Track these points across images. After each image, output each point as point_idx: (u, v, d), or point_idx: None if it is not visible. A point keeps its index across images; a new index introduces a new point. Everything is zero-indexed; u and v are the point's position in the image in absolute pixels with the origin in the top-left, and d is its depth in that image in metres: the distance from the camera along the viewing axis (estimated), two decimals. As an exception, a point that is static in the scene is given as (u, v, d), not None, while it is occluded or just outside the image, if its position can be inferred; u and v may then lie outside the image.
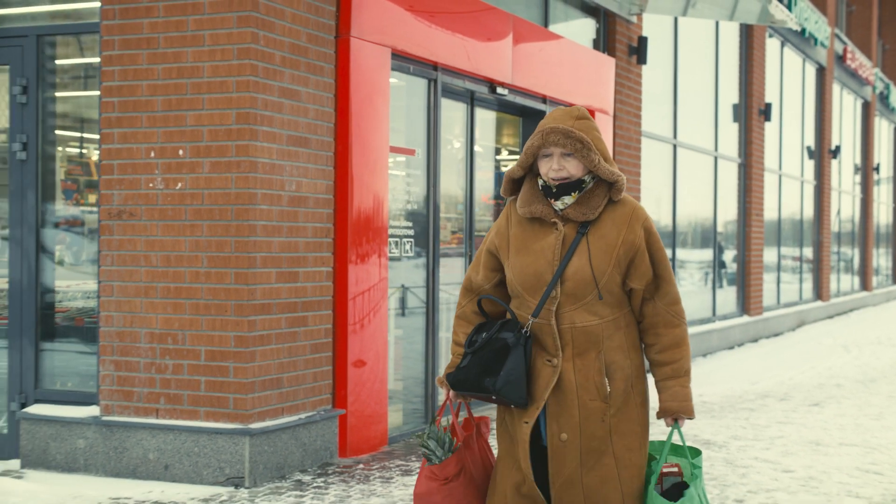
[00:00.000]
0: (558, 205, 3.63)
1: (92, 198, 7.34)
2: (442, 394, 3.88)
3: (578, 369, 3.58)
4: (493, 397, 3.56)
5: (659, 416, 3.67)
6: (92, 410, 6.84)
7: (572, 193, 3.62)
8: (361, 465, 7.06)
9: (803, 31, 18.07)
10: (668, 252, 14.11)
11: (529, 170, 3.74)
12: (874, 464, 7.35)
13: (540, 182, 3.67)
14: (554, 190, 3.62)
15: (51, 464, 6.85)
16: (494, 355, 3.58)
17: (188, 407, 6.57)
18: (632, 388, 3.66)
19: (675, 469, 3.66)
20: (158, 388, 6.64)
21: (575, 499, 3.59)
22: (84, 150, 7.44)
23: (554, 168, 3.59)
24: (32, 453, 6.90)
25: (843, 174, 25.33)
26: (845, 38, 24.18)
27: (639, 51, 12.06)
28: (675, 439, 3.76)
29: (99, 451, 6.74)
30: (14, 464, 7.03)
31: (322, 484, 6.53)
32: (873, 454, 7.69)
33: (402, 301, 8.42)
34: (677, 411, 3.64)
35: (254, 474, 6.46)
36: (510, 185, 3.77)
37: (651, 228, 3.66)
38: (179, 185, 6.58)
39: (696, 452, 3.70)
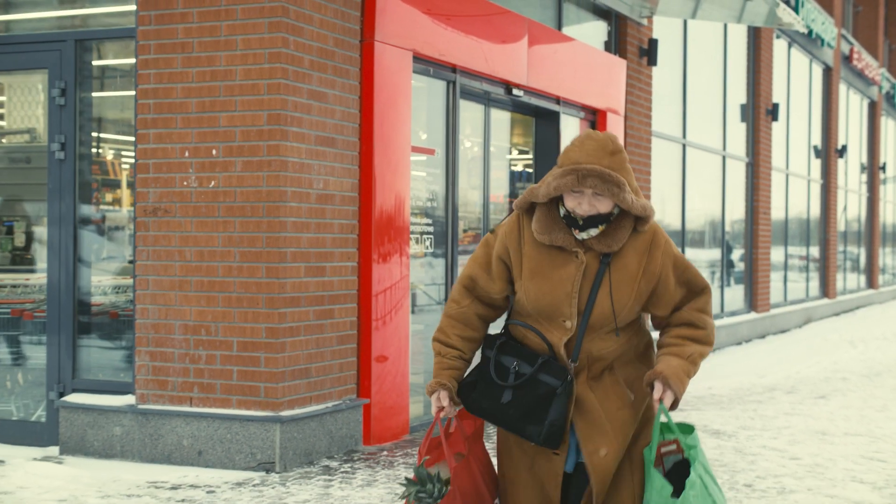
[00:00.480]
0: (582, 235, 3.49)
1: (109, 196, 7.66)
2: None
3: (595, 389, 3.52)
4: (532, 443, 3.52)
5: (647, 378, 3.49)
6: (128, 399, 7.15)
7: (599, 226, 3.48)
8: (385, 452, 7.36)
9: (810, 32, 18.34)
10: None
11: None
12: (878, 452, 7.63)
13: (562, 210, 3.51)
14: (580, 223, 3.47)
15: (88, 450, 7.16)
16: (538, 401, 3.47)
17: (221, 395, 6.88)
18: (645, 392, 3.58)
19: (674, 446, 3.51)
20: (192, 377, 6.94)
21: (626, 501, 3.56)
22: (100, 150, 7.75)
23: (584, 207, 3.44)
24: (71, 440, 7.21)
25: (850, 173, 25.59)
26: (852, 39, 24.43)
27: (649, 53, 12.34)
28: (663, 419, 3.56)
29: (135, 438, 7.04)
30: (53, 450, 7.33)
31: (349, 469, 6.83)
32: (877, 443, 7.97)
33: (416, 297, 8.72)
34: (667, 377, 3.43)
35: (284, 460, 6.76)
36: (528, 203, 3.58)
37: (671, 251, 3.55)
38: (213, 183, 6.88)
39: (689, 429, 3.54)
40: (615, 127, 11.47)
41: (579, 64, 10.72)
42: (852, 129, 25.63)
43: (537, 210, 3.53)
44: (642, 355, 3.63)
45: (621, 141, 11.53)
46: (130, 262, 7.44)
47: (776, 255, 19.12)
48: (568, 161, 3.43)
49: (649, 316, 3.68)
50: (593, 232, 3.47)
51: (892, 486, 6.56)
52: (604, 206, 3.43)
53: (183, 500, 6.00)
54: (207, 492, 6.21)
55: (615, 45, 11.99)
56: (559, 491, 3.55)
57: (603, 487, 3.51)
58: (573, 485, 3.60)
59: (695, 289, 3.57)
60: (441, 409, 3.58)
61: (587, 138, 3.47)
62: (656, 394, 3.44)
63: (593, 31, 11.73)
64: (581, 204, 3.43)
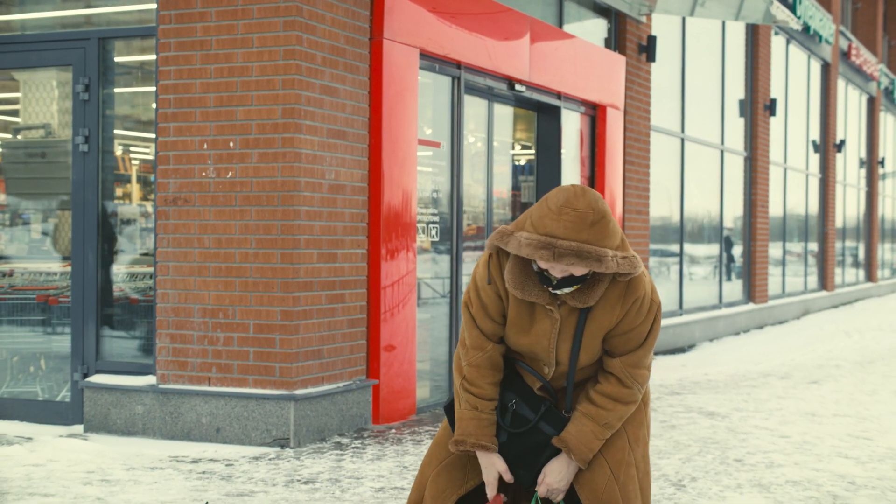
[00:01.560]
0: (556, 292, 3.32)
1: (119, 191, 8.04)
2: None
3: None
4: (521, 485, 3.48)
5: (554, 441, 3.41)
6: (149, 379, 7.52)
7: (574, 286, 3.30)
8: (394, 430, 7.73)
9: (808, 28, 18.69)
10: (675, 246, 14.75)
11: None
12: (865, 431, 7.99)
13: (536, 266, 3.32)
14: (554, 282, 3.30)
15: (111, 428, 7.53)
16: (534, 448, 3.42)
17: (238, 375, 7.25)
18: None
19: None
20: (210, 358, 7.31)
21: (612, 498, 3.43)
22: (122, 144, 8.13)
23: (556, 272, 3.26)
24: (95, 419, 7.58)
25: (849, 168, 25.93)
26: (850, 35, 24.75)
27: (648, 49, 12.69)
28: None
29: (156, 416, 7.41)
30: (77, 428, 7.71)
31: (359, 445, 7.20)
32: (864, 423, 8.33)
33: (421, 289, 9.08)
34: (573, 448, 3.36)
35: (298, 436, 7.13)
36: (496, 247, 3.41)
37: (641, 303, 3.36)
38: (230, 174, 7.25)
39: None
40: (615, 122, 11.83)
41: (580, 60, 11.08)
42: (851, 124, 25.97)
43: (510, 258, 3.35)
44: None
45: (621, 135, 11.88)
46: (144, 254, 7.81)
47: (774, 247, 19.47)
48: (543, 230, 3.17)
49: None
50: (567, 290, 3.30)
51: (874, 461, 6.92)
52: (580, 271, 3.23)
53: (204, 472, 6.37)
54: (226, 465, 6.58)
55: (615, 41, 12.34)
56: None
57: (595, 499, 3.41)
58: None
59: (636, 341, 3.39)
60: (498, 476, 3.44)
61: (566, 207, 3.18)
62: (558, 467, 3.40)
63: (593, 29, 12.09)
64: (554, 269, 3.24)
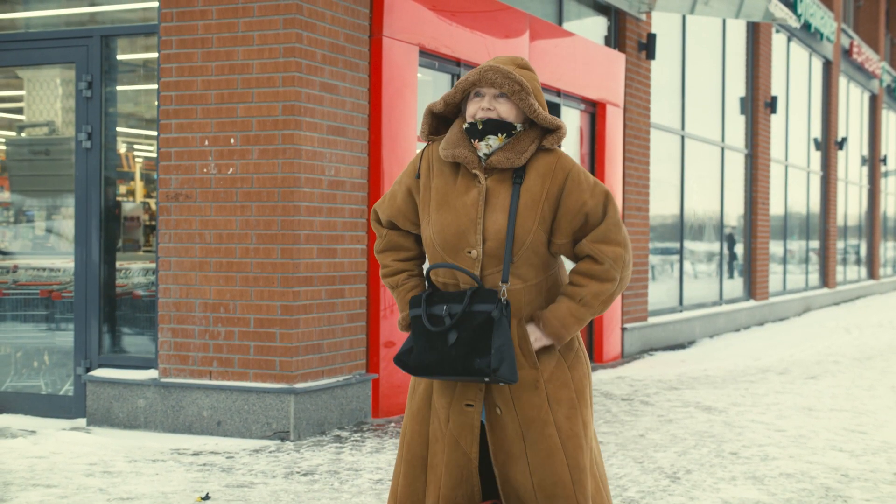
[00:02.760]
0: (483, 148, 3.31)
1: (121, 187, 8.13)
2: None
3: None
4: (486, 379, 3.24)
5: (526, 321, 3.34)
6: (151, 373, 7.60)
7: (499, 135, 3.30)
8: (393, 424, 7.81)
9: (809, 26, 18.74)
10: (676, 244, 14.81)
11: (456, 113, 3.45)
12: (860, 425, 8.06)
13: (465, 125, 3.35)
14: (480, 127, 3.30)
15: (114, 421, 7.62)
16: (477, 332, 3.23)
17: (239, 369, 7.33)
18: (559, 352, 3.40)
19: None
20: (212, 352, 7.40)
21: (520, 476, 3.33)
22: (123, 140, 8.22)
23: (484, 107, 3.29)
24: (97, 412, 7.67)
25: (851, 165, 25.98)
26: (852, 33, 24.80)
27: (648, 47, 12.76)
28: None
29: (158, 410, 7.50)
30: (80, 422, 7.80)
31: (359, 438, 7.28)
32: (860, 418, 8.40)
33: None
34: (545, 319, 3.30)
35: (298, 429, 7.21)
36: (430, 124, 3.44)
37: (577, 176, 3.34)
38: (231, 170, 7.33)
39: None
40: (615, 119, 11.90)
41: (579, 58, 11.15)
42: (853, 121, 26.02)
43: (449, 131, 3.39)
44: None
45: (621, 132, 11.94)
46: (146, 249, 7.90)
47: (775, 244, 19.53)
48: (475, 70, 3.33)
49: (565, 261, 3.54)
50: (493, 142, 3.31)
51: (868, 454, 6.99)
52: (504, 110, 3.30)
53: (205, 465, 6.45)
54: (227, 457, 6.67)
55: (615, 39, 12.41)
56: (476, 445, 3.36)
57: (500, 445, 3.34)
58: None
59: (594, 218, 3.34)
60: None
61: (499, 56, 3.47)
62: (531, 335, 3.32)
63: (593, 26, 12.16)
64: (482, 105, 3.30)
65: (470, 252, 3.29)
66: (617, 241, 3.33)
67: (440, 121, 3.48)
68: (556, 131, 3.34)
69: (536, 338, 3.33)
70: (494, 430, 3.34)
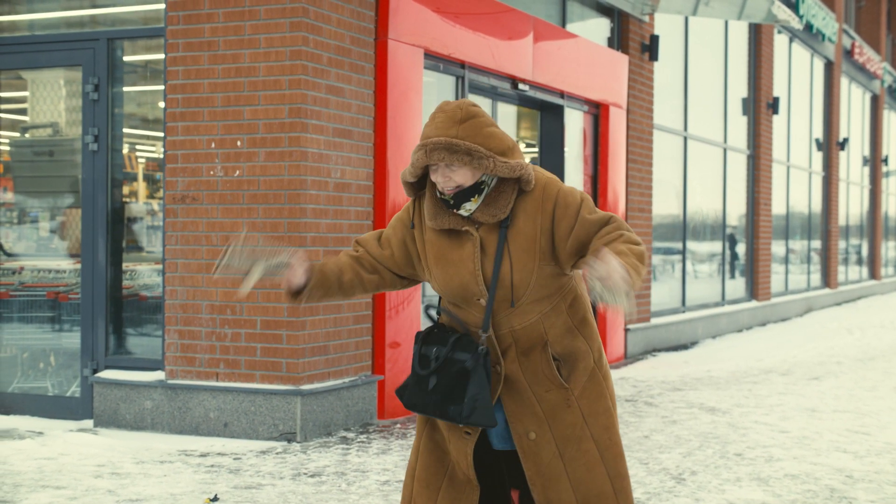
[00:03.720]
0: (463, 212, 3.35)
1: (128, 189, 8.16)
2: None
3: (525, 367, 3.37)
4: (460, 425, 3.33)
5: (586, 260, 3.24)
6: (158, 375, 7.64)
7: (472, 198, 3.33)
8: (399, 425, 7.84)
9: (811, 27, 18.77)
10: (679, 244, 14.84)
11: (425, 175, 3.45)
12: (863, 426, 8.09)
13: (438, 194, 3.38)
14: (451, 202, 3.34)
15: (121, 423, 7.65)
16: (454, 381, 3.31)
17: (245, 371, 7.36)
18: (594, 363, 3.44)
19: None
20: (218, 354, 7.43)
21: (564, 495, 3.36)
22: (130, 143, 8.25)
23: (440, 180, 3.31)
24: (104, 414, 7.70)
25: (852, 166, 26.01)
26: (853, 34, 24.83)
27: (651, 48, 12.79)
28: None
29: (164, 411, 7.53)
30: (87, 423, 7.83)
31: (365, 439, 7.31)
32: (863, 419, 8.43)
33: (425, 286, 9.18)
34: (600, 248, 3.14)
35: (304, 430, 7.25)
36: (412, 186, 3.46)
37: (564, 199, 3.33)
38: (237, 172, 7.37)
39: None
40: (618, 120, 11.94)
41: (583, 59, 11.18)
42: (854, 122, 26.05)
43: (426, 195, 3.42)
44: (578, 327, 3.43)
45: (623, 132, 11.97)
46: (153, 251, 7.93)
47: (777, 245, 19.56)
48: (423, 137, 3.33)
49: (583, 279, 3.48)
50: (469, 206, 3.33)
51: (872, 455, 7.02)
52: (461, 177, 3.29)
53: (212, 466, 6.48)
54: (234, 459, 6.70)
55: (618, 41, 12.44)
56: (472, 470, 3.40)
57: (537, 469, 3.37)
58: (516, 469, 3.49)
59: (594, 227, 3.29)
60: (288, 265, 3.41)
61: (438, 111, 3.34)
62: (597, 269, 3.01)
63: (596, 28, 12.19)
64: (438, 179, 3.31)
65: (479, 300, 3.36)
66: (624, 228, 3.29)
67: (420, 183, 3.47)
68: (521, 178, 3.29)
69: (606, 260, 3.02)
70: (528, 457, 3.37)
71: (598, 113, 11.77)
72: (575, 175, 11.38)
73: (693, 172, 15.28)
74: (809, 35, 20.19)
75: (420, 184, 3.45)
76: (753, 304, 17.39)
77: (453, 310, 3.43)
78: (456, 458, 3.42)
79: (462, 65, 9.10)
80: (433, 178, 3.32)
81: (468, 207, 3.32)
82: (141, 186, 8.28)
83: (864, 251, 27.98)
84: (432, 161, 3.26)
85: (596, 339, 3.46)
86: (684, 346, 13.91)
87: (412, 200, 3.50)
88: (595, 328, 3.48)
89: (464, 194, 3.31)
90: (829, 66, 22.80)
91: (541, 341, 3.36)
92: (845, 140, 23.64)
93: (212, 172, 7.43)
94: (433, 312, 3.53)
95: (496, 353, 3.36)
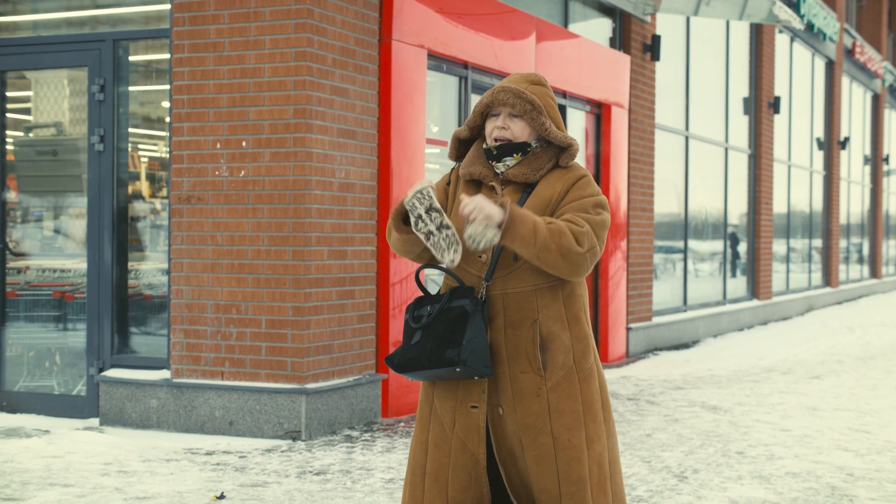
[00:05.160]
0: (500, 167, 3.46)
1: (133, 189, 8.21)
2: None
3: (509, 339, 3.37)
4: (457, 369, 3.30)
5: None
6: (163, 374, 7.69)
7: (514, 155, 3.44)
8: (402, 424, 7.89)
9: (812, 26, 18.81)
10: (680, 243, 14.89)
11: (479, 133, 3.58)
12: (864, 425, 8.14)
13: (484, 145, 3.50)
14: (494, 152, 3.45)
15: (126, 421, 7.71)
16: (451, 325, 3.33)
17: (250, 370, 7.41)
18: (574, 362, 3.41)
19: None
20: (224, 353, 7.48)
21: (519, 475, 3.42)
22: (136, 143, 8.30)
23: (498, 125, 3.43)
24: (110, 412, 7.75)
25: (853, 165, 26.05)
26: (854, 33, 24.86)
27: (652, 48, 12.84)
28: None
29: (170, 410, 7.58)
30: (93, 422, 7.88)
31: (369, 438, 7.36)
32: (864, 417, 8.48)
33: (428, 285, 9.23)
34: (507, 206, 3.20)
35: (309, 429, 7.30)
36: (457, 148, 3.59)
37: (585, 182, 3.44)
38: (243, 172, 7.42)
39: None
40: (620, 120, 11.98)
41: (585, 60, 11.23)
42: (855, 121, 26.09)
43: (472, 147, 3.55)
44: (569, 321, 3.44)
45: (625, 132, 12.02)
46: (158, 251, 7.98)
47: (779, 244, 19.60)
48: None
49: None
50: (509, 161, 3.44)
51: (873, 453, 7.07)
52: (519, 129, 3.43)
53: (218, 464, 6.53)
54: (240, 457, 6.75)
55: (619, 41, 12.48)
56: (483, 447, 3.40)
57: (502, 443, 3.39)
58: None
59: (584, 206, 3.40)
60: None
61: (514, 74, 3.55)
62: (466, 206, 3.19)
63: (598, 28, 12.23)
64: (497, 124, 3.43)
65: (480, 256, 3.39)
66: (594, 223, 3.35)
67: (467, 144, 3.62)
68: (567, 149, 3.45)
69: (489, 206, 3.19)
70: (496, 429, 3.40)
71: (599, 113, 11.81)
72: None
73: (694, 172, 15.33)
74: (811, 34, 20.23)
75: (464, 149, 3.57)
76: (755, 302, 17.43)
77: (453, 269, 3.45)
78: (464, 436, 3.40)
79: (465, 65, 9.14)
80: (489, 126, 3.45)
81: (508, 163, 3.44)
82: (146, 186, 8.33)
83: (866, 250, 28.02)
84: (497, 102, 3.41)
85: (583, 342, 3.44)
86: (686, 345, 13.96)
87: (453, 168, 3.62)
88: (586, 332, 3.47)
89: (509, 148, 3.43)
90: (831, 66, 22.84)
91: (531, 317, 3.37)
92: (846, 139, 23.67)
93: (217, 172, 7.48)
94: (423, 278, 3.56)
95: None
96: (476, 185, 3.49)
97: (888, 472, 6.50)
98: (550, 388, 3.36)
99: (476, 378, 3.37)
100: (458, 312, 3.33)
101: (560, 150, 3.48)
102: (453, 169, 3.62)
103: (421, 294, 3.54)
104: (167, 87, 7.80)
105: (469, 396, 3.40)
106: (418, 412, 3.58)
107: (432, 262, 3.54)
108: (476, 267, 3.42)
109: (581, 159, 11.59)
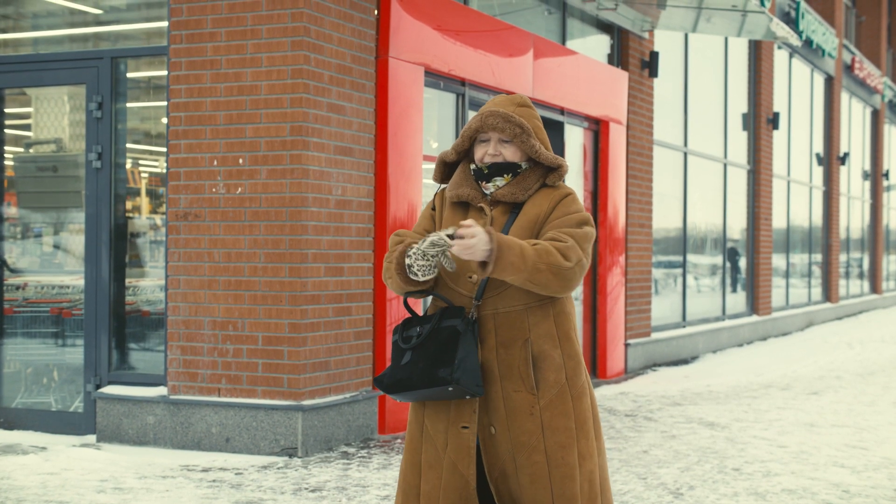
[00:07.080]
0: (489, 187, 3.51)
1: (131, 206, 8.24)
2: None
3: (502, 359, 3.40)
4: (450, 388, 3.32)
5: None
6: (160, 390, 7.70)
7: (505, 175, 3.50)
8: (399, 440, 7.89)
9: (811, 42, 18.86)
10: (679, 258, 14.90)
11: (465, 155, 3.62)
12: (861, 441, 8.13)
13: (472, 167, 3.55)
14: (485, 171, 3.50)
15: (123, 438, 7.71)
16: (443, 345, 3.35)
17: (247, 386, 7.42)
18: (566, 380, 3.44)
19: None
20: (220, 369, 7.49)
21: (515, 493, 3.43)
22: (133, 159, 8.32)
23: (490, 153, 3.48)
24: (107, 429, 7.76)
25: (853, 180, 26.07)
26: (853, 49, 24.92)
27: (651, 65, 12.87)
28: None
29: (167, 426, 7.59)
30: (90, 438, 7.89)
31: (366, 454, 7.37)
32: (862, 434, 8.47)
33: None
34: (493, 234, 3.24)
35: (306, 445, 7.30)
36: (442, 171, 3.64)
37: (571, 200, 3.50)
38: (239, 189, 7.44)
39: None
40: (618, 136, 12.01)
41: (582, 76, 11.26)
42: (855, 136, 26.12)
43: (458, 169, 3.59)
44: (560, 339, 3.47)
45: (623, 148, 12.04)
46: (156, 267, 8.00)
47: (778, 259, 19.61)
48: (477, 113, 3.54)
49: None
50: (499, 181, 3.50)
51: (870, 470, 7.06)
52: (510, 153, 3.50)
53: (214, 481, 6.54)
54: (236, 474, 6.75)
55: (618, 57, 12.52)
56: (473, 467, 3.42)
57: (494, 462, 3.42)
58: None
59: (568, 223, 3.45)
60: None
61: (498, 96, 3.61)
62: (476, 227, 3.24)
63: (596, 45, 12.27)
64: (488, 150, 3.49)
65: (471, 277, 3.43)
66: (579, 237, 3.40)
67: (452, 167, 3.67)
68: (557, 169, 3.52)
69: (478, 232, 3.22)
70: (488, 449, 3.42)
71: (598, 129, 11.84)
72: (575, 191, 11.43)
73: (693, 187, 15.35)
74: (809, 50, 20.28)
75: (450, 171, 3.62)
76: (754, 318, 17.43)
77: (442, 290, 3.48)
78: (455, 457, 3.42)
79: (462, 82, 9.18)
80: (478, 152, 3.51)
81: (498, 183, 3.50)
82: (144, 202, 8.36)
83: (866, 265, 28.02)
84: (486, 127, 3.46)
85: (574, 359, 3.48)
86: (685, 361, 13.95)
87: (437, 191, 3.66)
88: (577, 350, 3.51)
89: (500, 167, 3.49)
90: (830, 81, 22.88)
91: (523, 336, 3.41)
92: (846, 155, 23.70)
93: (214, 189, 7.50)
94: (412, 300, 3.59)
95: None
96: (464, 207, 3.53)
97: (884, 489, 6.50)
98: (543, 406, 3.40)
99: (468, 398, 3.39)
100: (450, 332, 3.36)
101: (547, 170, 3.54)
102: (437, 193, 3.66)
103: (408, 315, 3.56)
104: (164, 102, 7.82)
105: (460, 417, 3.42)
106: (408, 434, 3.58)
107: (421, 290, 3.52)
108: (466, 287, 3.45)
109: (579, 175, 11.62)
